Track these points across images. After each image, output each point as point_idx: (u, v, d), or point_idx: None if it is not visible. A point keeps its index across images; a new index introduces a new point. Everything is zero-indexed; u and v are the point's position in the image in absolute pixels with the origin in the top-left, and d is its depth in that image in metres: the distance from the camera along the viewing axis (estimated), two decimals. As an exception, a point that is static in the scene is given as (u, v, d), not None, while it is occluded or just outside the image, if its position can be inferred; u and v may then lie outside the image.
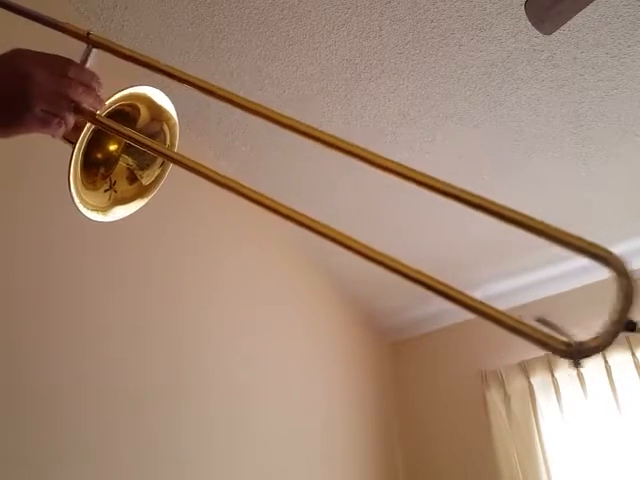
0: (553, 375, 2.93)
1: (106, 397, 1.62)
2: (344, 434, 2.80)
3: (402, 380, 3.45)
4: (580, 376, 2.86)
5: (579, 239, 0.52)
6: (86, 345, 1.62)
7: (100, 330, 1.68)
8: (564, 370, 2.91)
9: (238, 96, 0.72)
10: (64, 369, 1.53)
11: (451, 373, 3.29)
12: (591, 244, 0.51)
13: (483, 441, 2.96)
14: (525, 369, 3.01)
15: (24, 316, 1.48)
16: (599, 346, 0.48)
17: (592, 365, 2.86)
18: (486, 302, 0.55)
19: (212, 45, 2.02)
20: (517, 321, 0.53)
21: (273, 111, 0.70)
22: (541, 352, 2.99)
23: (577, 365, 0.51)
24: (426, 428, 3.25)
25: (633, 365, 2.77)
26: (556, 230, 0.53)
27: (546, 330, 0.51)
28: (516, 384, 3.01)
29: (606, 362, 2.82)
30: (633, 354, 2.78)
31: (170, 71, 0.76)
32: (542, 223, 0.55)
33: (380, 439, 3.11)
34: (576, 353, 0.50)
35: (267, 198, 0.67)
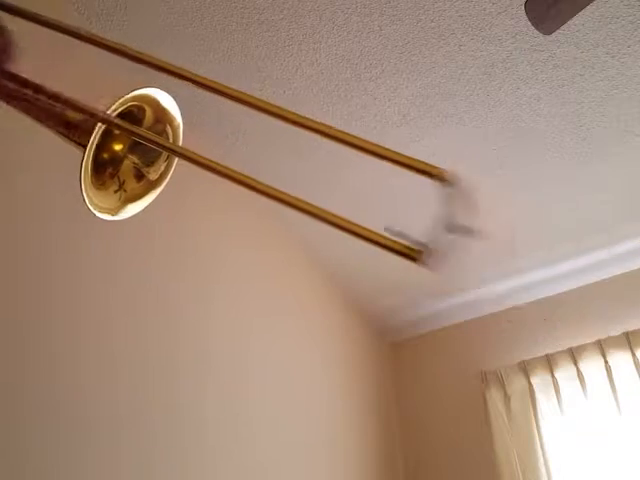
0: (553, 375, 2.93)
1: (105, 395, 1.62)
2: (344, 434, 2.80)
3: (402, 380, 3.45)
4: (580, 376, 2.86)
5: (412, 159, 0.61)
6: (86, 343, 1.62)
7: (100, 328, 1.68)
8: (564, 370, 2.92)
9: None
10: (65, 365, 1.53)
11: (451, 373, 3.29)
12: (425, 163, 0.60)
13: (483, 441, 2.96)
14: (525, 369, 3.01)
15: (26, 313, 1.48)
16: (430, 247, 0.57)
17: (592, 365, 2.86)
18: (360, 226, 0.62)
19: (212, 45, 2.02)
20: (368, 230, 0.60)
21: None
22: (541, 352, 3.00)
23: (421, 264, 0.58)
24: (426, 428, 3.26)
25: (633, 365, 2.77)
26: (391, 152, 0.61)
27: (399, 239, 0.59)
28: (516, 384, 3.01)
29: (606, 362, 2.82)
30: (633, 354, 2.78)
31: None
32: (378, 145, 0.62)
33: (380, 439, 3.11)
34: (417, 254, 0.58)
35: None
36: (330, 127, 0.66)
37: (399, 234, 0.58)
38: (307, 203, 0.65)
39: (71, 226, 1.64)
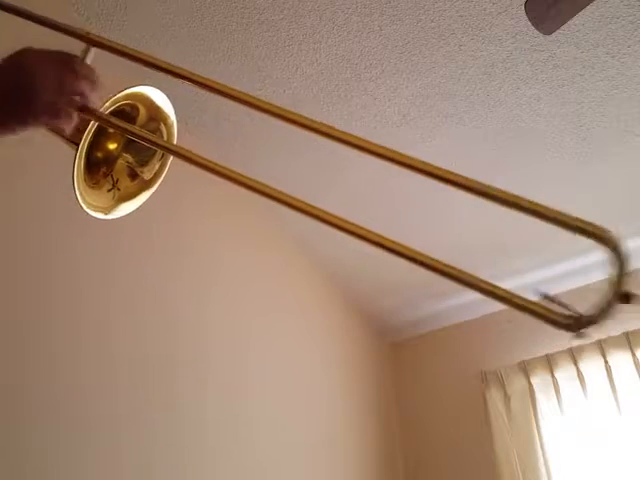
0: (553, 375, 2.93)
1: (105, 395, 1.62)
2: (344, 434, 2.80)
3: (402, 380, 3.45)
4: (580, 376, 2.86)
5: (576, 219, 0.56)
6: (85, 343, 1.62)
7: (99, 329, 1.68)
8: (564, 370, 2.92)
9: (238, 91, 0.72)
10: (64, 365, 1.53)
11: (451, 373, 3.29)
12: (587, 223, 0.55)
13: (483, 441, 2.96)
14: (525, 369, 3.01)
15: (25, 314, 1.48)
16: (598, 317, 0.52)
17: (592, 365, 2.86)
18: (491, 282, 0.57)
19: (212, 45, 2.02)
20: (523, 299, 0.56)
21: (273, 105, 0.70)
22: (541, 352, 2.99)
23: (580, 336, 0.53)
24: (426, 428, 3.25)
25: (633, 365, 2.76)
26: (553, 211, 0.57)
27: (549, 305, 0.54)
28: (516, 384, 3.01)
29: (606, 362, 2.82)
30: (633, 354, 2.78)
31: (168, 67, 0.77)
32: (540, 205, 0.58)
33: (380, 439, 3.11)
34: (577, 325, 0.53)
35: (269, 187, 0.67)
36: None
37: (559, 302, 0.54)
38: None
39: (70, 227, 1.64)
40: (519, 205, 0.59)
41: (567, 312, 0.54)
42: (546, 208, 0.57)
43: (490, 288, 0.57)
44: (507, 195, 0.58)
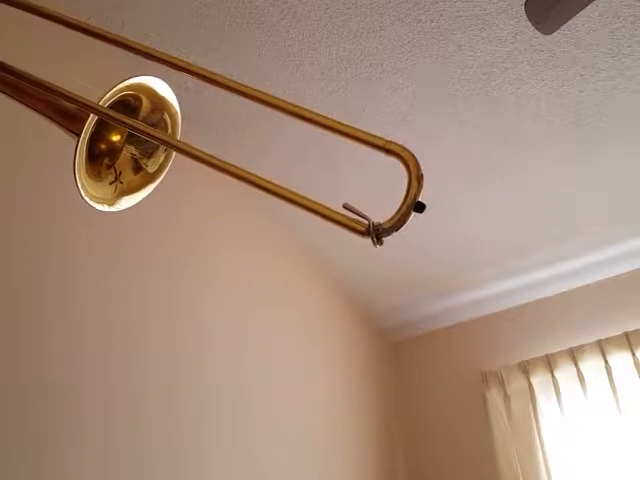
0: (553, 375, 2.93)
1: (103, 394, 1.62)
2: (344, 434, 2.80)
3: (402, 380, 3.45)
4: (580, 376, 2.86)
5: (377, 137, 0.61)
6: (83, 342, 1.62)
7: (96, 327, 1.68)
8: (564, 370, 2.92)
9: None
10: (61, 364, 1.52)
11: (451, 373, 3.29)
12: (387, 141, 0.61)
13: (483, 441, 2.96)
14: (525, 369, 3.01)
15: (23, 313, 1.48)
16: (393, 227, 0.59)
17: (592, 365, 2.86)
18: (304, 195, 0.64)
19: (212, 46, 2.02)
20: (326, 208, 0.63)
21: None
22: (541, 352, 3.00)
23: (377, 243, 0.60)
24: (426, 428, 3.26)
25: (633, 365, 2.77)
26: (355, 130, 0.63)
27: (351, 215, 0.61)
28: (516, 384, 3.01)
29: (606, 362, 2.82)
30: (633, 354, 2.78)
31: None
32: (342, 124, 0.63)
33: (380, 439, 3.11)
34: (374, 233, 0.59)
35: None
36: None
37: (357, 212, 0.60)
38: (274, 183, 0.66)
39: (69, 224, 1.64)
40: (325, 125, 0.64)
41: (365, 222, 0.60)
42: (350, 127, 0.63)
43: (302, 200, 0.64)
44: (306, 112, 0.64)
